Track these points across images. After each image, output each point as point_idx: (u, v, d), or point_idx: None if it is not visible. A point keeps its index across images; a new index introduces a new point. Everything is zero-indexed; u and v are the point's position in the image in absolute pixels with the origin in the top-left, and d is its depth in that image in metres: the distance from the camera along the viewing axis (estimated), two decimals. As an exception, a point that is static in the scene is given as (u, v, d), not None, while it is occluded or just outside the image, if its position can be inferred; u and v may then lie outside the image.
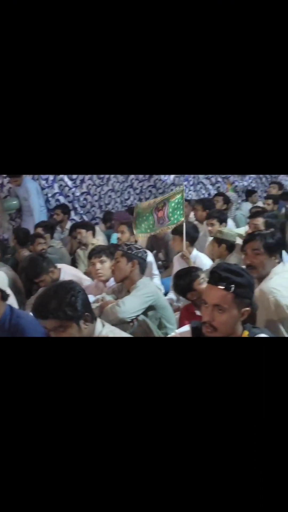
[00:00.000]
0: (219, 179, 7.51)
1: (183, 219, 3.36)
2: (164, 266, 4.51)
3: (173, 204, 3.35)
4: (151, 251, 4.38)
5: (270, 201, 5.67)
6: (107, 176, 5.84)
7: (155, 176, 6.44)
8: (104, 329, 1.83)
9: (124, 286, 2.79)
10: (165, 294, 3.49)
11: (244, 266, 2.17)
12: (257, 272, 2.27)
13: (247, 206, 6.41)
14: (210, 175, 7.37)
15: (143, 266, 2.71)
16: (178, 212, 3.34)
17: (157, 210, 3.41)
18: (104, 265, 3.04)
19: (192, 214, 5.44)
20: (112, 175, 5.90)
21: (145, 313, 2.57)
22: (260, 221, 3.32)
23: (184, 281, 2.63)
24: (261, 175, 8.16)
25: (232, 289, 1.51)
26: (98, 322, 1.85)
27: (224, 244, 3.35)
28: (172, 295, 3.53)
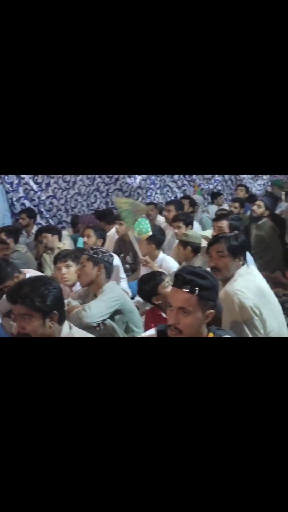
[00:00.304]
0: (185, 182, 7.58)
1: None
2: (132, 269, 4.51)
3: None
4: (119, 254, 4.37)
5: (237, 204, 5.76)
6: (73, 179, 5.80)
7: (121, 179, 6.44)
8: (71, 331, 1.83)
9: (91, 290, 2.77)
10: (133, 297, 3.49)
11: (209, 269, 2.20)
12: (221, 274, 2.30)
13: (213, 209, 6.49)
14: (176, 178, 7.43)
15: (109, 270, 2.70)
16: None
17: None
18: (70, 270, 3.01)
19: (158, 217, 5.48)
20: (78, 178, 5.86)
21: (112, 317, 2.57)
22: (224, 223, 3.37)
23: (148, 286, 2.64)
24: (226, 178, 8.29)
25: (197, 291, 1.52)
26: (66, 324, 1.85)
27: (190, 247, 3.38)
28: (139, 298, 3.54)
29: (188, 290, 1.52)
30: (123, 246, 4.50)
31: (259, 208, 4.78)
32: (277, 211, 5.86)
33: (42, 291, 1.73)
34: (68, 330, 1.83)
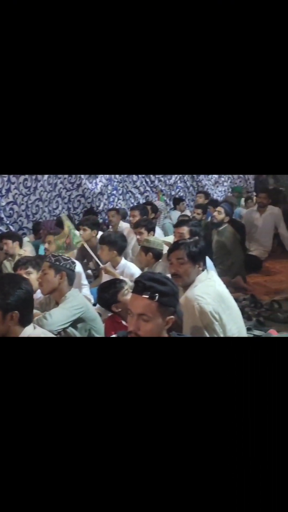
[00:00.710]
0: (148, 188, 7.62)
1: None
2: (94, 276, 4.49)
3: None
4: (82, 260, 4.35)
5: (199, 211, 5.83)
6: (34, 185, 5.72)
7: (83, 186, 6.41)
8: (34, 332, 1.83)
9: (53, 298, 2.74)
10: (95, 304, 3.47)
11: (169, 275, 2.22)
12: (182, 280, 2.32)
13: (176, 215, 6.55)
14: (138, 184, 7.46)
15: (71, 278, 2.68)
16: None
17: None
18: (31, 277, 2.96)
19: (121, 223, 5.48)
20: (39, 184, 5.79)
21: (74, 325, 2.54)
22: (185, 229, 3.40)
23: (108, 294, 2.64)
24: (188, 185, 8.39)
25: (156, 298, 1.53)
26: (30, 325, 1.84)
27: (151, 253, 3.41)
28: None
29: (148, 296, 1.53)
30: (86, 252, 4.47)
31: (219, 214, 4.86)
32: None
33: (7, 288, 1.75)
34: (32, 330, 1.84)
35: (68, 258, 2.70)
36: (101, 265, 3.37)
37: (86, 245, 3.49)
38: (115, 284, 2.66)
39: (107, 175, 6.79)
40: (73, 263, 2.73)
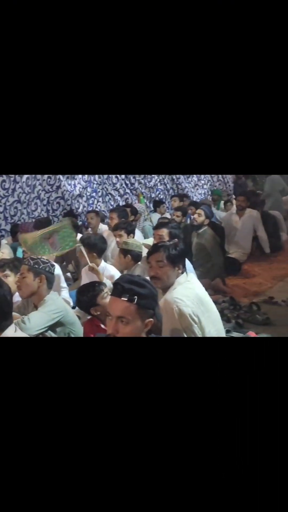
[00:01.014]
0: (128, 191, 7.62)
1: (75, 245, 3.38)
2: (74, 278, 4.46)
3: (61, 234, 3.36)
4: (61, 262, 4.31)
5: (179, 213, 5.85)
6: (12, 186, 5.65)
7: (63, 187, 6.36)
8: (15, 334, 1.83)
9: (31, 301, 2.71)
10: (74, 307, 3.44)
11: (148, 278, 2.21)
12: (161, 283, 2.32)
13: (156, 217, 6.56)
14: (118, 187, 7.45)
15: (51, 281, 2.65)
16: (69, 239, 3.35)
17: (45, 239, 3.39)
18: (8, 280, 2.92)
19: (101, 226, 5.46)
20: (18, 186, 5.72)
21: (53, 329, 2.52)
22: (164, 231, 3.40)
23: (86, 297, 2.62)
24: (168, 187, 8.41)
25: (135, 300, 1.52)
26: (11, 327, 1.83)
27: (130, 255, 3.40)
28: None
29: (126, 299, 1.52)
30: (65, 255, 4.44)
31: (199, 216, 4.88)
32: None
33: None
34: (13, 332, 1.82)
35: (47, 261, 2.67)
36: (89, 264, 3.33)
37: (83, 249, 3.43)
38: (94, 287, 2.65)
39: (86, 177, 6.76)
40: (52, 265, 2.70)
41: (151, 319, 1.58)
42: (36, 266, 2.58)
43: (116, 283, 1.58)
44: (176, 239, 3.15)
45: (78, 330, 2.66)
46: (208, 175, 9.16)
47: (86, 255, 3.34)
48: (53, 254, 3.47)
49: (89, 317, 3.06)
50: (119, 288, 1.55)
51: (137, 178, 7.76)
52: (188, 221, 5.93)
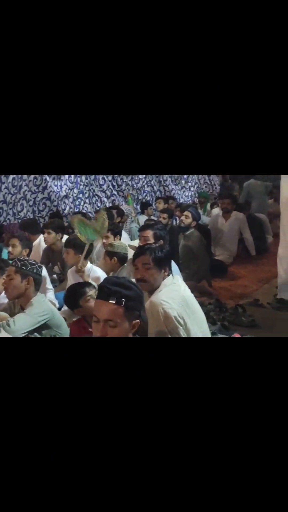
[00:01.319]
0: (114, 192, 7.61)
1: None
2: (60, 280, 4.43)
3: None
4: (47, 264, 4.28)
5: (165, 215, 5.86)
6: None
7: (49, 188, 6.33)
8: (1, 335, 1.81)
9: (18, 303, 2.69)
10: (59, 308, 3.43)
11: (134, 280, 2.21)
12: (148, 285, 2.31)
13: (143, 219, 6.56)
14: (105, 188, 7.43)
15: (38, 282, 2.63)
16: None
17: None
18: (-7, 281, 2.90)
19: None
20: (3, 186, 5.68)
21: (39, 331, 2.50)
22: (149, 233, 3.39)
23: (71, 297, 2.62)
24: (155, 189, 8.42)
25: (123, 302, 1.52)
26: None
27: (116, 257, 3.39)
28: (66, 308, 3.48)
29: (114, 302, 1.51)
30: (51, 256, 4.42)
31: (187, 218, 4.89)
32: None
33: None
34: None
35: (35, 263, 2.65)
36: (78, 265, 3.31)
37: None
38: (79, 289, 2.64)
39: (72, 178, 6.74)
40: (40, 267, 2.68)
41: (138, 321, 1.58)
42: (24, 267, 2.56)
43: (102, 286, 1.57)
44: (161, 241, 3.15)
45: (64, 333, 2.64)
46: (195, 178, 9.20)
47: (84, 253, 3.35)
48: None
49: (74, 319, 3.05)
50: (105, 291, 1.53)
51: (124, 180, 7.76)
52: (174, 223, 5.94)
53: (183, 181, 8.88)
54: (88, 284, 2.71)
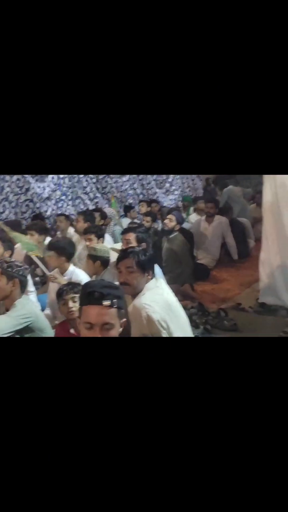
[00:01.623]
0: (98, 195, 7.58)
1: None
2: (42, 282, 4.39)
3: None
4: (29, 265, 4.24)
5: (148, 218, 5.85)
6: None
7: (32, 190, 6.28)
8: None
9: (3, 305, 2.66)
10: (42, 310, 3.40)
11: (117, 283, 2.20)
12: (131, 289, 2.31)
13: (127, 222, 6.55)
14: (88, 190, 7.41)
15: (24, 284, 2.62)
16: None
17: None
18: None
19: (70, 229, 5.41)
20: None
21: (21, 334, 2.48)
22: (131, 236, 3.39)
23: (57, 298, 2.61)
24: (138, 192, 8.42)
25: (116, 303, 1.51)
26: None
27: (99, 261, 3.38)
28: (48, 311, 3.46)
29: (109, 304, 1.49)
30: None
31: (170, 222, 4.89)
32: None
33: None
34: None
35: (21, 264, 2.65)
36: (48, 273, 3.31)
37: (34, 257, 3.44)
38: (61, 291, 2.63)
39: (56, 180, 6.70)
40: (26, 269, 2.67)
41: (125, 319, 1.58)
42: (10, 269, 2.55)
43: (92, 291, 1.52)
44: (144, 244, 3.15)
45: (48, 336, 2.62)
46: (179, 181, 9.23)
47: (38, 261, 3.35)
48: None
49: (56, 322, 3.03)
50: (97, 295, 1.50)
51: (108, 182, 7.74)
52: (157, 226, 5.95)
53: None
54: (66, 288, 2.66)
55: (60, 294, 2.61)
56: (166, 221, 4.99)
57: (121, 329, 1.56)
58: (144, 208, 6.64)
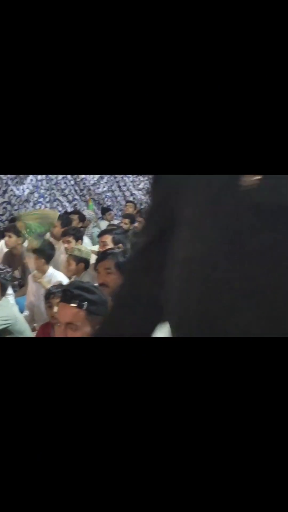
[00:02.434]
0: (76, 197, 7.58)
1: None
2: (20, 285, 4.38)
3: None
4: (10, 269, 4.23)
5: (127, 220, 5.88)
6: None
7: (10, 192, 6.24)
8: None
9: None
10: (22, 312, 3.40)
11: (97, 285, 2.23)
12: (110, 290, 2.33)
13: (105, 224, 6.56)
14: (67, 193, 7.39)
15: (5, 287, 2.63)
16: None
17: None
18: None
19: (46, 235, 5.38)
20: None
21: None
22: (108, 238, 3.42)
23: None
24: (116, 194, 8.44)
25: (85, 306, 1.53)
26: None
27: (82, 263, 3.40)
28: (27, 313, 3.46)
29: (76, 305, 1.53)
30: (12, 260, 4.36)
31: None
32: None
33: None
34: None
35: (3, 267, 2.66)
36: (33, 274, 3.30)
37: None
38: (48, 294, 2.63)
39: (34, 182, 6.67)
40: (8, 272, 2.68)
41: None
42: None
43: (65, 290, 1.58)
44: (121, 245, 3.19)
45: (27, 339, 2.64)
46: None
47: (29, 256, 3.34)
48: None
49: (35, 324, 3.04)
50: (68, 294, 1.55)
51: (86, 184, 7.74)
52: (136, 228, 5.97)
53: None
54: (58, 290, 2.67)
55: (47, 296, 2.61)
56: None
57: (92, 332, 1.58)
58: (131, 209, 6.66)
